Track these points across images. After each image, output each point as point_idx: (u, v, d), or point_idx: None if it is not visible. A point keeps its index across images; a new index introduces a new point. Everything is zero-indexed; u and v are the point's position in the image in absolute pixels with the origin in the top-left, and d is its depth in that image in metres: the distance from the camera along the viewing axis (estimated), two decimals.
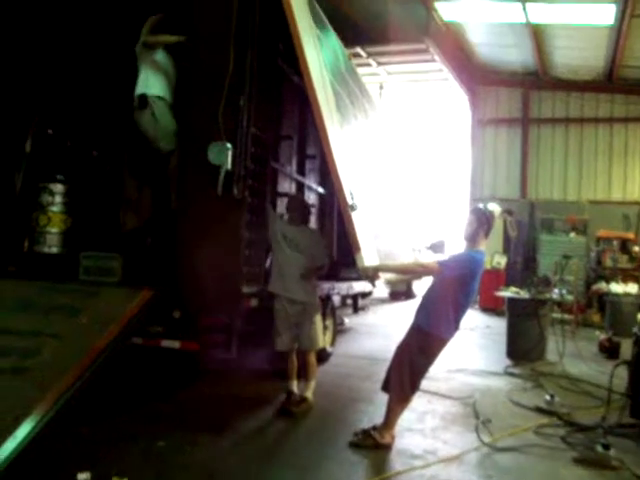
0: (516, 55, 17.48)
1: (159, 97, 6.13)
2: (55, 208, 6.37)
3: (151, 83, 6.16)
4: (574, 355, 9.38)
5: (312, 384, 6.15)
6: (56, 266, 6.30)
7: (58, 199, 6.37)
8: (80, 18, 6.76)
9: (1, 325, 5.01)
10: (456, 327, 5.14)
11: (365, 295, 11.40)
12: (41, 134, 6.62)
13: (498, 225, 14.21)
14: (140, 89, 6.16)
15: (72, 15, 6.69)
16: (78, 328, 4.93)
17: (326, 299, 7.72)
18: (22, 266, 6.24)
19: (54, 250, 6.36)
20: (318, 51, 6.21)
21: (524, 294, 9.77)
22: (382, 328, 12.23)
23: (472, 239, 5.15)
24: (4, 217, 6.23)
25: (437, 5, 14.60)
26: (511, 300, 9.87)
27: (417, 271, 5.89)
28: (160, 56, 6.24)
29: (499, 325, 12.41)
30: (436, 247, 7.02)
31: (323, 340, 6.64)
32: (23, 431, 3.79)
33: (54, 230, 6.36)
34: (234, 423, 5.60)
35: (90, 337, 4.72)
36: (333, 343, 8.52)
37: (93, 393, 5.43)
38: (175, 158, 6.02)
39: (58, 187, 6.40)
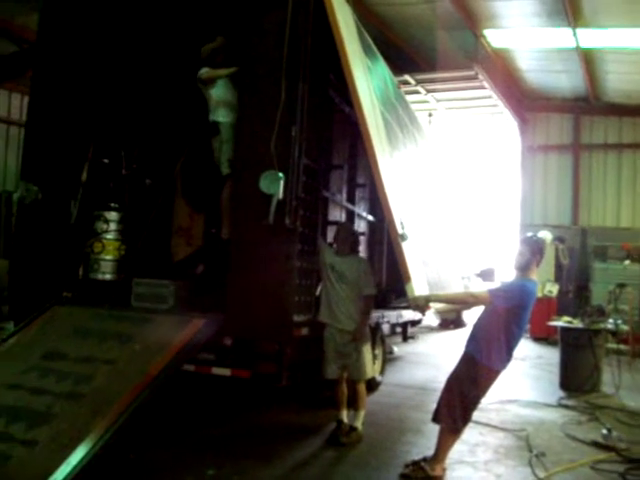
0: (566, 81, 17.29)
1: (226, 122, 6.32)
2: (109, 236, 6.51)
3: (219, 111, 6.39)
4: (631, 387, 9.11)
5: (362, 414, 6.10)
6: (109, 293, 6.42)
7: (112, 227, 6.51)
8: (133, 49, 6.95)
9: (57, 350, 5.12)
10: (508, 358, 5.04)
11: (414, 323, 11.30)
12: (96, 163, 6.78)
13: (549, 253, 14.00)
14: (211, 116, 6.43)
15: (125, 46, 6.88)
16: (131, 355, 5.02)
17: (375, 328, 7.67)
18: (77, 292, 6.37)
19: (108, 277, 6.49)
20: (368, 80, 6.26)
21: (577, 324, 9.56)
22: (432, 357, 12.09)
23: (524, 269, 5.06)
24: (60, 244, 6.38)
25: (486, 32, 14.55)
26: (564, 330, 9.67)
27: (468, 301, 5.82)
28: (221, 84, 6.40)
29: (551, 355, 12.14)
30: (486, 275, 6.96)
31: (372, 369, 6.59)
32: (77, 456, 3.86)
33: (108, 257, 6.49)
34: (283, 452, 5.58)
35: (143, 364, 4.81)
36: (382, 372, 8.45)
37: (144, 419, 5.51)
38: (228, 187, 6.10)
39: (113, 215, 6.54)
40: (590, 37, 13.87)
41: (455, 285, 9.10)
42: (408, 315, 9.74)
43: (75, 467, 3.78)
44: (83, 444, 3.95)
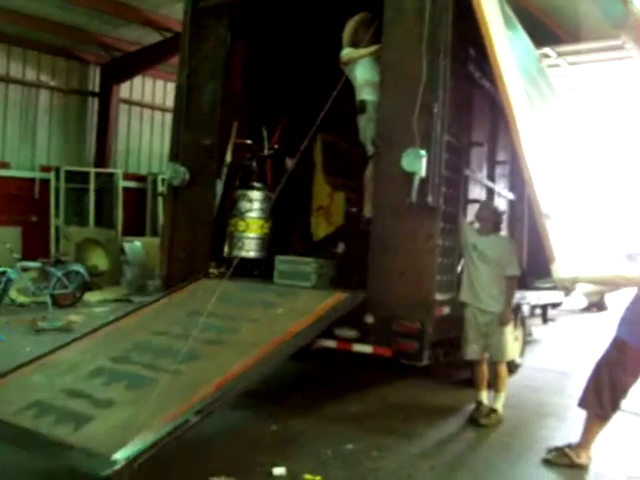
0: None
1: (372, 100, 6.17)
2: (253, 214, 6.69)
3: (364, 89, 6.25)
4: None
5: (502, 396, 5.98)
6: (253, 270, 6.64)
7: (256, 206, 6.69)
8: (273, 29, 7.10)
9: (202, 310, 5.39)
10: None
11: (555, 305, 10.91)
12: (240, 144, 6.99)
13: None
14: (357, 96, 6.32)
15: (265, 27, 7.04)
16: (274, 317, 5.31)
17: (516, 308, 7.46)
18: (223, 268, 6.62)
19: (252, 254, 6.68)
20: (510, 55, 6.06)
21: None
22: (573, 341, 11.63)
23: None
24: (206, 223, 6.66)
25: None
26: None
27: (618, 283, 5.55)
28: (364, 64, 6.31)
29: None
30: (633, 256, 6.61)
31: (514, 351, 6.44)
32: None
33: (252, 235, 6.67)
34: (421, 430, 5.60)
35: (285, 323, 5.06)
36: (522, 354, 8.24)
37: (286, 391, 5.70)
38: (371, 166, 6.11)
39: (256, 194, 6.72)
40: None
41: (602, 266, 8.70)
42: (548, 297, 9.43)
43: (221, 392, 4.04)
44: (228, 374, 4.22)
